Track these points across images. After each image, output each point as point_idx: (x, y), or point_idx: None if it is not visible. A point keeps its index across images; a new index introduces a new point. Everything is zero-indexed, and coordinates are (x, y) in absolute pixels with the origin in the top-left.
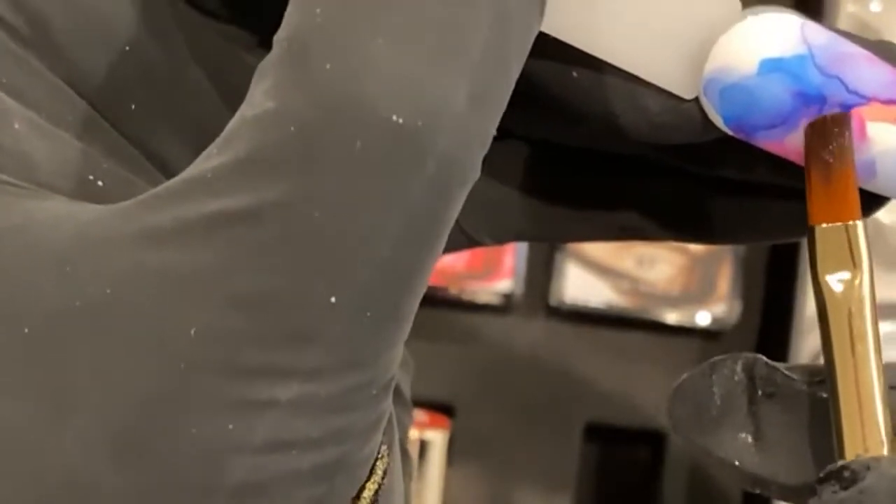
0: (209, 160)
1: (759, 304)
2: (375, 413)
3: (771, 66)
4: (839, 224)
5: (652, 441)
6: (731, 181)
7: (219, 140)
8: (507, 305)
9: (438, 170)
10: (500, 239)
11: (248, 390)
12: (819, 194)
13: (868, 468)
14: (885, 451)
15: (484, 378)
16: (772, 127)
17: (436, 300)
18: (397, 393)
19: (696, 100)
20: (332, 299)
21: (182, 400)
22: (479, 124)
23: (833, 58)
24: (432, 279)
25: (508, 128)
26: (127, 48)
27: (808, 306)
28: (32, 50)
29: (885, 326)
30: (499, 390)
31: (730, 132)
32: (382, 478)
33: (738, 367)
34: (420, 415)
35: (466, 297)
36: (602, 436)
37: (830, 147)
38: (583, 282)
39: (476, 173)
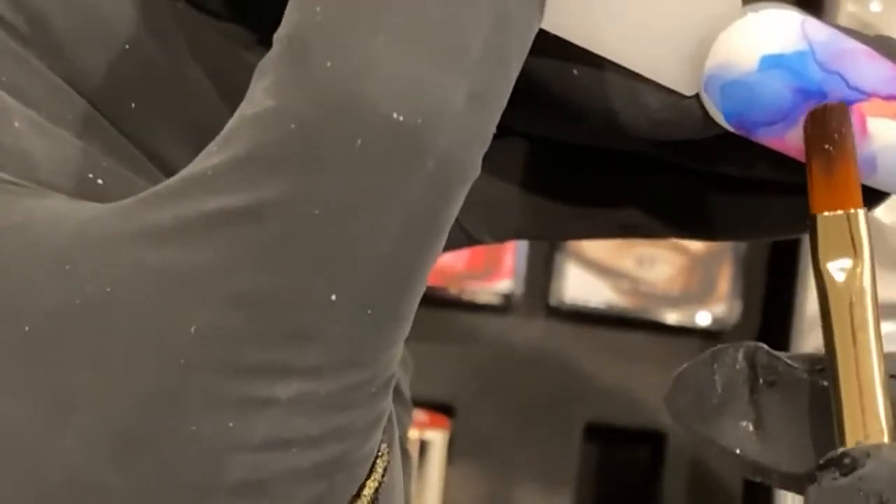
0: (209, 158)
1: (759, 303)
2: (375, 411)
3: (771, 63)
4: (840, 212)
5: (652, 441)
6: (731, 178)
7: (219, 138)
8: (507, 305)
9: (438, 168)
10: (501, 237)
11: (248, 389)
12: (820, 183)
13: (868, 455)
14: (886, 439)
15: (484, 378)
16: (772, 123)
17: (436, 300)
18: (397, 392)
19: (697, 96)
20: (332, 297)
21: (182, 398)
22: (478, 123)
23: (833, 54)
24: (432, 279)
25: (508, 125)
26: (127, 47)
27: (808, 306)
28: (32, 49)
29: (886, 326)
30: (499, 390)
31: (730, 128)
32: (382, 476)
33: (740, 356)
34: (420, 415)
35: (466, 297)
36: (602, 435)
37: (831, 136)
38: (583, 282)
39: (476, 172)
